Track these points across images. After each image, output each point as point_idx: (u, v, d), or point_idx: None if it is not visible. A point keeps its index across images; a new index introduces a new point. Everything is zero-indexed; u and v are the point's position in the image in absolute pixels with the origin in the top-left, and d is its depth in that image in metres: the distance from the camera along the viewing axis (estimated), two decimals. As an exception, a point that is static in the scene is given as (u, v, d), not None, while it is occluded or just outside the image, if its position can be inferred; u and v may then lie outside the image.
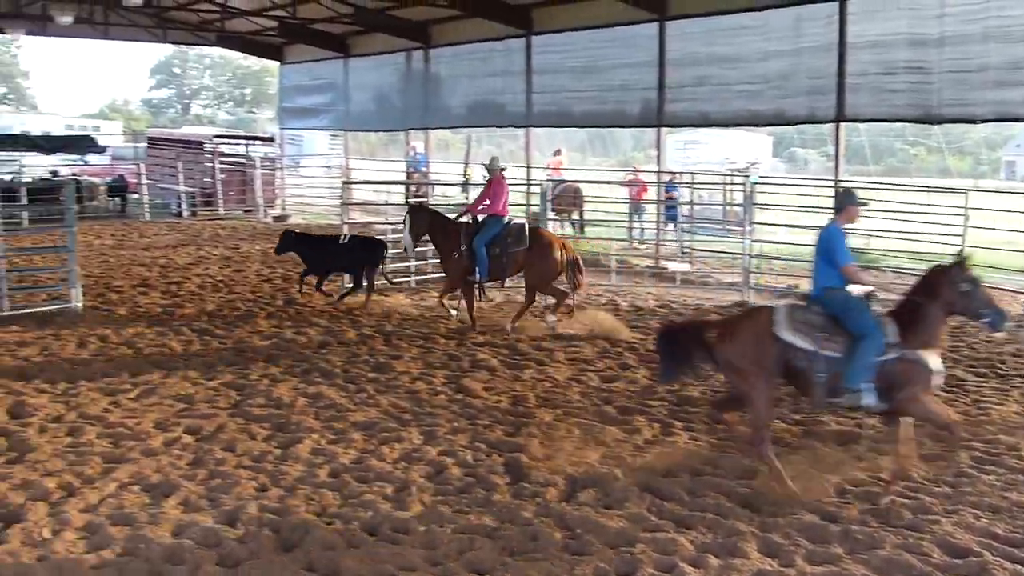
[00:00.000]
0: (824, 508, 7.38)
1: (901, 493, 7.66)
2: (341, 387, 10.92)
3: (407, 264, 18.56)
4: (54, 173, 32.19)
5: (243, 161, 33.17)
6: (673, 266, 20.45)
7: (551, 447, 8.82)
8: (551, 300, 14.77)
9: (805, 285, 18.16)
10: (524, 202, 23.43)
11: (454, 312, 14.62)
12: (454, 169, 29.50)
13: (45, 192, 25.27)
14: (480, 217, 14.47)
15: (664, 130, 23.28)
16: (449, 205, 28.05)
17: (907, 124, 23.17)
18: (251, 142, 36.10)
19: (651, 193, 24.07)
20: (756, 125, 23.52)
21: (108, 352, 12.47)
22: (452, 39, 27.94)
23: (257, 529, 6.91)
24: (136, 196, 32.03)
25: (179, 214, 31.29)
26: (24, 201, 24.42)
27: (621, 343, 13.32)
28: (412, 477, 7.98)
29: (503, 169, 14.88)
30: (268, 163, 33.75)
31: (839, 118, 18.70)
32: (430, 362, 12.16)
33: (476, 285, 14.53)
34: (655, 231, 22.60)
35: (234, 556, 6.51)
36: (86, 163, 38.31)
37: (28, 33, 32.87)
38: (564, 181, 24.48)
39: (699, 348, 8.08)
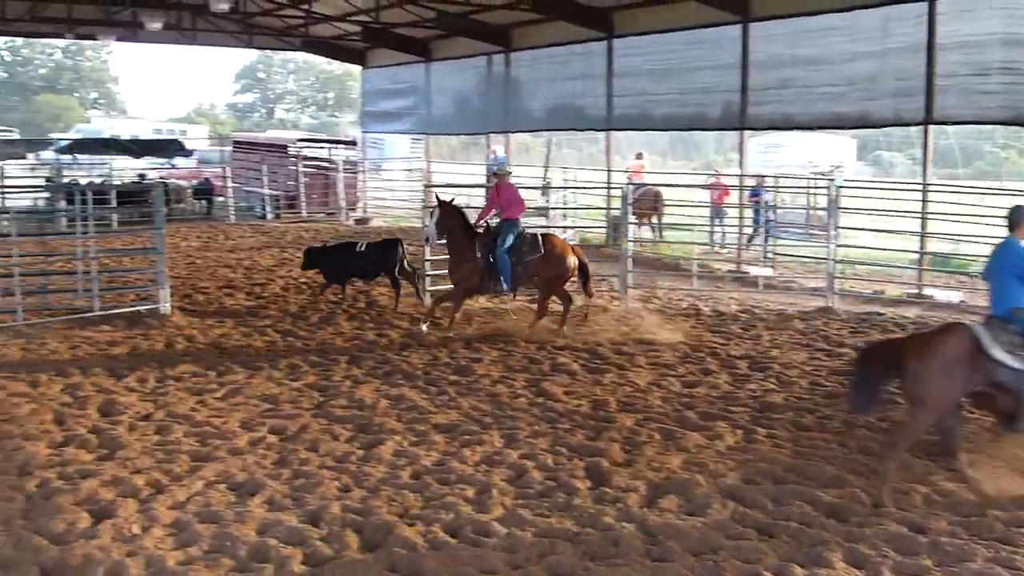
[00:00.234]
0: (912, 519, 7.23)
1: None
2: (422, 389, 10.99)
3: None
4: (142, 176, 32.88)
5: (326, 164, 33.55)
6: (755, 271, 20.22)
7: (632, 452, 8.78)
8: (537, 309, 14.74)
9: (892, 291, 17.94)
10: (604, 206, 23.43)
11: (424, 327, 14.04)
12: (534, 173, 29.49)
13: (134, 195, 25.80)
14: (493, 223, 14.36)
15: (746, 133, 23.05)
16: (528, 208, 28.23)
17: (998, 126, 22.61)
18: (334, 146, 36.51)
19: (733, 197, 23.84)
20: (841, 128, 23.17)
21: (195, 352, 12.72)
22: (533, 43, 27.95)
23: (340, 529, 6.97)
24: (221, 199, 32.56)
25: (263, 217, 31.76)
26: (113, 203, 24.98)
27: (702, 349, 13.21)
28: (493, 480, 8.00)
29: (509, 173, 14.78)
30: (350, 166, 34.10)
31: (927, 120, 18.32)
32: (511, 365, 12.19)
33: (496, 294, 14.59)
34: (737, 235, 22.38)
35: (318, 555, 6.58)
36: (173, 166, 39.11)
37: (119, 39, 33.59)
38: (645, 185, 24.35)
39: (890, 369, 7.80)
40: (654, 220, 24.50)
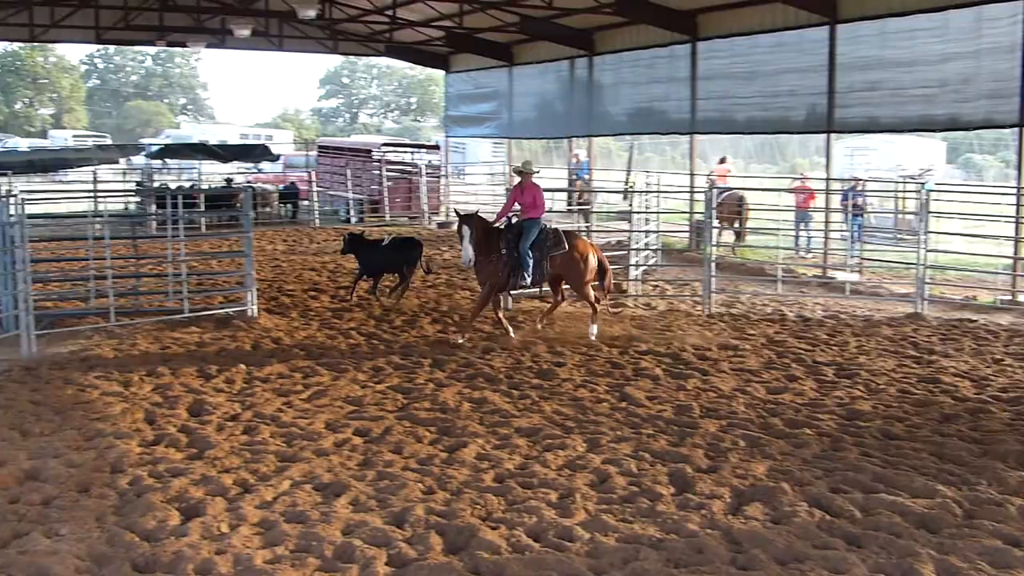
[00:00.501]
0: (1007, 531, 7.04)
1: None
2: (505, 393, 11.01)
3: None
4: (229, 180, 33.46)
5: (409, 169, 33.83)
6: (841, 276, 19.90)
7: (716, 458, 8.69)
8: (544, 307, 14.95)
9: (984, 297, 17.53)
10: (688, 209, 23.25)
11: (461, 340, 13.78)
12: (616, 177, 29.41)
13: (221, 199, 26.25)
14: (514, 219, 14.30)
15: (833, 136, 22.69)
16: (610, 212, 28.19)
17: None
18: (417, 150, 36.80)
19: (819, 200, 23.50)
20: (931, 130, 22.74)
21: (281, 354, 12.89)
22: (616, 46, 27.86)
23: (424, 531, 7.01)
24: (307, 203, 32.99)
25: (347, 220, 32.09)
26: (202, 207, 25.46)
27: (787, 355, 13.04)
28: (576, 484, 7.98)
29: (535, 172, 14.65)
30: (433, 170, 34.33)
31: (1022, 123, 17.85)
32: (593, 370, 12.15)
33: (519, 288, 14.60)
34: (822, 240, 22.05)
35: (402, 557, 6.62)
36: (260, 171, 39.78)
37: (208, 46, 34.31)
38: (728, 189, 24.11)
39: None
40: (736, 225, 24.24)
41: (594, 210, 24.66)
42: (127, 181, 34.90)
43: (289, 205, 33.62)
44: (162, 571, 6.40)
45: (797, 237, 23.21)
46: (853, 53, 20.59)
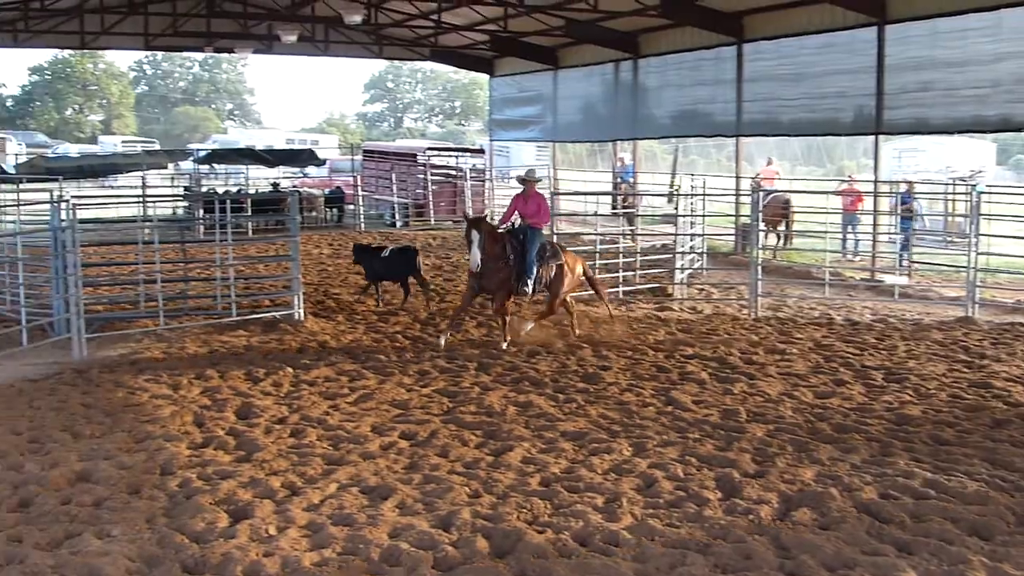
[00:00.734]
0: (1061, 539, 6.93)
1: None
2: (550, 396, 10.99)
3: (615, 275, 18.57)
4: (275, 185, 33.73)
5: (453, 172, 33.92)
6: (890, 279, 19.68)
7: (763, 463, 8.62)
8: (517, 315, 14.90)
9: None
10: (733, 213, 23.12)
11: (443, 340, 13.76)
12: (661, 180, 29.30)
13: (268, 203, 26.46)
14: (517, 224, 14.17)
15: (881, 138, 22.46)
16: (655, 215, 28.07)
17: None
18: (461, 154, 36.90)
19: (867, 203, 23.26)
20: (982, 131, 22.47)
21: (327, 357, 12.95)
22: (661, 49, 27.80)
23: (471, 535, 7.01)
24: (352, 207, 33.15)
25: (392, 224, 32.25)
26: (249, 212, 25.67)
27: (835, 359, 12.92)
28: (622, 489, 7.94)
29: (539, 180, 14.60)
30: (477, 174, 34.40)
31: (1076, 123, 17.61)
32: (639, 373, 12.10)
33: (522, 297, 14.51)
34: (870, 242, 21.83)
35: (449, 560, 6.62)
36: (306, 175, 40.04)
37: (255, 52, 34.61)
38: (774, 191, 23.95)
39: None
40: (781, 228, 24.06)
41: (639, 213, 24.61)
42: (175, 186, 35.27)
43: (335, 209, 33.79)
44: (211, 573, 6.44)
45: (845, 240, 22.99)
46: (902, 54, 20.39)
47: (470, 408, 10.48)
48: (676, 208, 20.45)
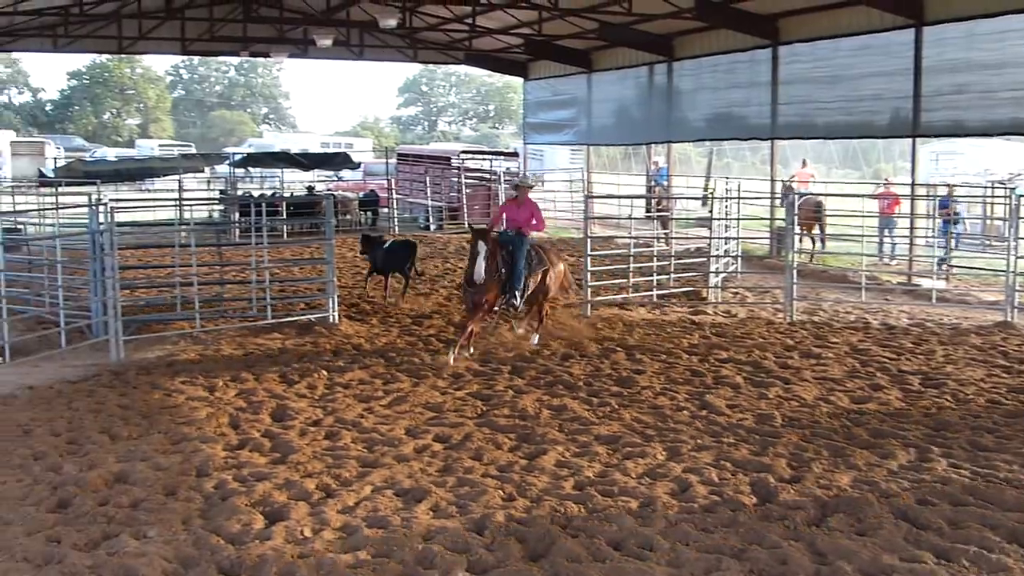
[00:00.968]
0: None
1: None
2: (584, 400, 10.98)
3: (649, 278, 18.53)
4: (310, 188, 33.88)
5: (487, 176, 33.94)
6: (927, 283, 19.49)
7: (799, 468, 8.56)
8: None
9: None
10: (768, 215, 22.99)
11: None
12: (696, 183, 29.19)
13: (303, 206, 26.58)
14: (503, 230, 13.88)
15: (918, 141, 22.25)
16: (690, 219, 27.98)
17: None
18: (495, 157, 36.93)
19: (903, 206, 23.07)
20: (1020, 134, 22.14)
21: (361, 360, 12.99)
22: (695, 51, 27.68)
23: (504, 538, 7.01)
24: (386, 210, 33.24)
25: (426, 227, 32.31)
26: (284, 215, 25.80)
27: (871, 363, 12.81)
28: (656, 493, 7.91)
29: (532, 186, 14.51)
30: (511, 178, 34.36)
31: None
32: (673, 377, 12.06)
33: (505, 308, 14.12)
34: (907, 246, 21.64)
35: (482, 563, 6.63)
36: (340, 179, 40.21)
37: (290, 56, 34.82)
38: (807, 194, 23.77)
39: None
40: (815, 231, 23.87)
41: (673, 216, 24.52)
42: (211, 189, 35.50)
43: (369, 212, 33.90)
44: (247, 574, 6.48)
45: (881, 243, 22.80)
46: (940, 56, 20.18)
47: (504, 411, 10.49)
48: (710, 211, 20.35)
